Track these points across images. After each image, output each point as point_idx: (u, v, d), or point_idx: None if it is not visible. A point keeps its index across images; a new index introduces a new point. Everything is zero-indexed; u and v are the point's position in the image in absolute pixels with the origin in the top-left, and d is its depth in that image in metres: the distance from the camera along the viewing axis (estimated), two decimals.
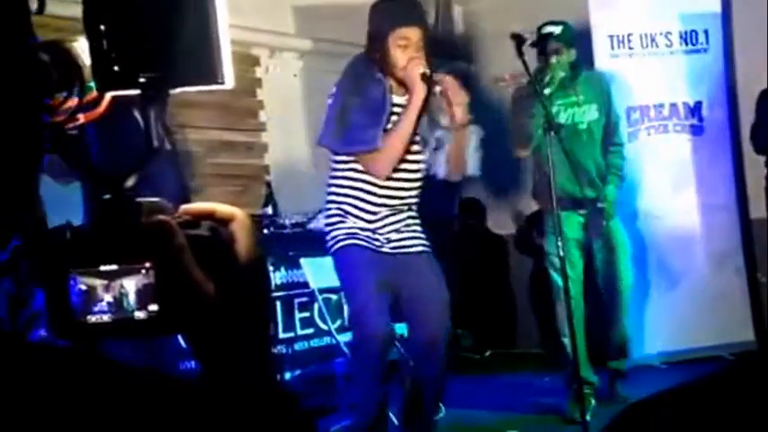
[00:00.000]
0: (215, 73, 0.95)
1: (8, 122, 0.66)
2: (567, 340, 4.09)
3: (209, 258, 0.72)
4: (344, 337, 4.20)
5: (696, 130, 5.37)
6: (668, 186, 5.29)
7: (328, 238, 3.37)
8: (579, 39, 4.52)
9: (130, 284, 0.70)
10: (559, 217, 3.78)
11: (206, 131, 5.18)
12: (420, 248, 3.40)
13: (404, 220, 3.40)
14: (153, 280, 0.70)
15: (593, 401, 4.23)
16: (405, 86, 3.28)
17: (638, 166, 5.21)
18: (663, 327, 5.15)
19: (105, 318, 0.71)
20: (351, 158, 3.33)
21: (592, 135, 4.35)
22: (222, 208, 0.76)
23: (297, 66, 5.68)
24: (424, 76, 3.21)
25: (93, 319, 0.71)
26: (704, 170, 5.33)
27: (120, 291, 0.71)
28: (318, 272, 4.30)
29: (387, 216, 3.36)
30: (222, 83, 0.96)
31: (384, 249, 3.34)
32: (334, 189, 3.38)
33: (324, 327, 4.67)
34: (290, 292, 4.68)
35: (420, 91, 3.22)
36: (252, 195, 5.21)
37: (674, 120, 5.35)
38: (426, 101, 3.26)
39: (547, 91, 4.07)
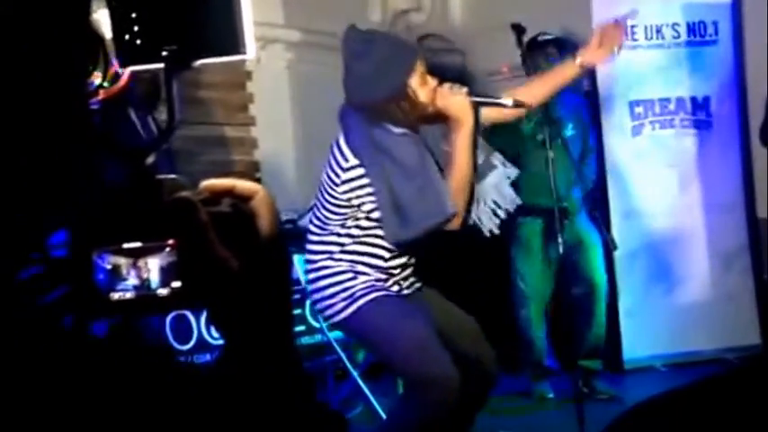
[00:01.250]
0: (237, 43, 0.94)
1: (55, 97, 0.65)
2: (533, 335, 4.53)
3: (231, 235, 0.73)
4: (335, 335, 4.25)
5: (704, 126, 5.21)
6: (673, 183, 5.15)
7: (339, 298, 2.90)
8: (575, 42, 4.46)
9: (154, 262, 0.71)
10: (520, 223, 3.98)
11: (197, 127, 5.10)
12: (421, 283, 3.09)
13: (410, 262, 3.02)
14: (176, 257, 0.71)
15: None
16: (434, 121, 2.86)
17: (641, 161, 5.08)
18: (665, 328, 5.03)
19: (129, 295, 0.72)
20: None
21: (565, 150, 4.27)
22: (242, 184, 0.76)
23: (286, 57, 5.58)
24: (466, 100, 2.82)
25: (116, 296, 0.72)
26: (711, 167, 5.18)
27: (143, 268, 0.71)
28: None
29: (398, 262, 2.98)
30: (245, 53, 0.96)
31: (404, 292, 2.98)
32: (341, 241, 2.92)
33: (316, 324, 4.66)
34: None
35: (469, 115, 2.80)
36: None
37: (681, 114, 5.19)
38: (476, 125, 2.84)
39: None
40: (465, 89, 2.86)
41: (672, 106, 5.18)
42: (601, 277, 4.56)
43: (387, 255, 2.92)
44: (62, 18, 0.65)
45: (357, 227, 2.89)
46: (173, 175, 0.79)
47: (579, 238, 4.48)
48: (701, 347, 4.96)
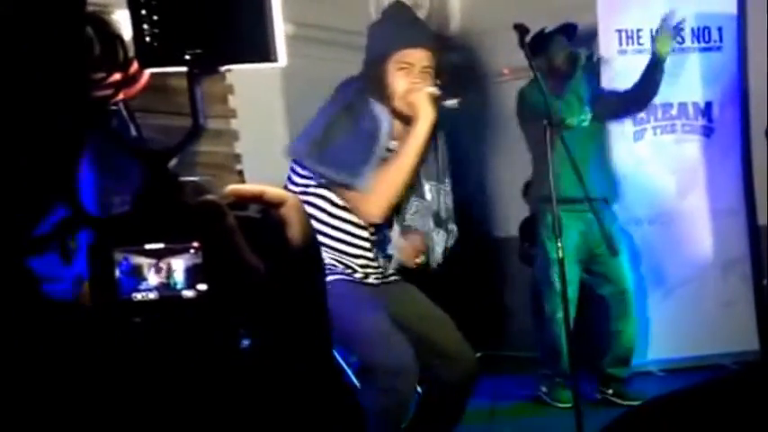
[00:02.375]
0: (268, 50, 0.90)
1: (56, 96, 0.64)
2: (562, 340, 4.16)
3: (259, 240, 0.71)
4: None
5: (705, 132, 5.21)
6: (674, 188, 5.14)
7: None
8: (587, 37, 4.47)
9: (178, 263, 0.70)
10: (559, 218, 3.66)
11: (171, 117, 5.03)
12: (398, 277, 3.09)
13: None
14: (201, 259, 0.69)
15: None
16: (404, 120, 2.86)
17: (643, 166, 5.08)
18: (664, 333, 5.02)
19: (151, 296, 0.70)
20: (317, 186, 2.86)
21: (594, 135, 4.26)
22: (272, 191, 0.75)
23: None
24: (432, 97, 2.81)
25: (138, 296, 0.70)
26: (712, 173, 5.18)
27: (166, 269, 0.70)
28: None
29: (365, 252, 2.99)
30: (275, 60, 0.91)
31: (369, 281, 3.00)
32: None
33: None
34: None
35: (428, 114, 2.78)
36: (221, 186, 5.09)
37: (683, 120, 5.18)
38: (434, 129, 2.84)
39: (574, 83, 4.17)
40: (433, 90, 2.85)
41: (674, 111, 5.17)
42: (630, 281, 4.54)
43: (351, 249, 2.94)
44: (59, 18, 0.65)
45: (323, 211, 2.91)
46: (195, 178, 0.78)
47: (612, 241, 4.44)
48: (700, 353, 4.95)
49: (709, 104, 5.20)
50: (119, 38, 0.82)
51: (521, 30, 3.69)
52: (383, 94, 2.84)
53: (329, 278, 2.80)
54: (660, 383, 4.78)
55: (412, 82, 2.85)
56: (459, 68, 5.21)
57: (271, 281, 0.71)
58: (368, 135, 2.78)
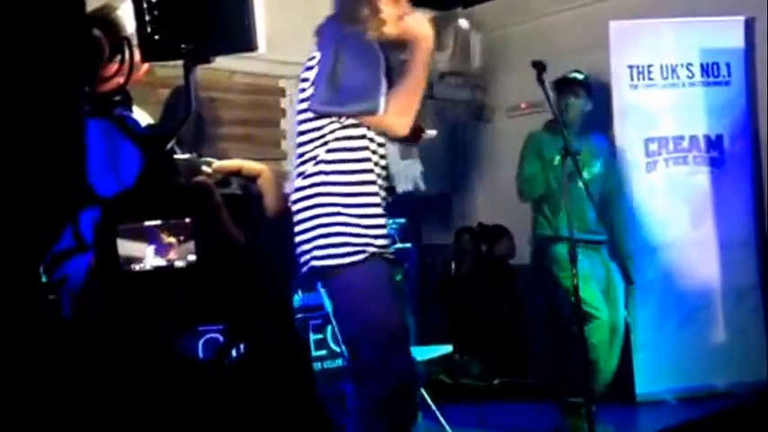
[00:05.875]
0: (249, 40, 1.01)
1: (57, 93, 0.72)
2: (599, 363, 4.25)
3: (241, 213, 0.80)
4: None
5: (716, 163, 5.29)
6: (686, 219, 5.22)
7: (328, 251, 2.74)
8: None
9: (171, 238, 0.78)
10: (575, 250, 3.81)
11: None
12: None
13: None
14: (192, 233, 0.78)
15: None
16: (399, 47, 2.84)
17: (655, 197, 5.16)
18: (677, 362, 5.07)
19: (149, 267, 0.78)
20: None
21: (594, 187, 4.40)
22: (249, 164, 0.85)
23: None
24: (433, 21, 2.82)
25: (137, 268, 0.78)
26: (723, 204, 5.25)
27: (162, 243, 0.78)
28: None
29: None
30: (255, 49, 1.02)
31: (386, 255, 2.84)
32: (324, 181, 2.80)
33: (337, 349, 4.77)
34: (306, 315, 4.77)
35: (427, 37, 2.78)
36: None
37: (695, 152, 5.27)
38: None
39: (572, 131, 4.29)
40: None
41: (685, 144, 5.26)
42: (621, 316, 4.59)
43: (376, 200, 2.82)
44: (57, 20, 0.72)
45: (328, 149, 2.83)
46: (188, 155, 0.87)
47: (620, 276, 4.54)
48: (713, 382, 4.98)
49: (719, 137, 5.28)
50: (125, 38, 0.89)
51: (539, 67, 3.81)
52: (370, 25, 2.82)
53: (362, 256, 2.74)
54: (673, 412, 4.80)
55: (403, 11, 2.85)
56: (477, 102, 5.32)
57: (249, 248, 0.80)
58: (370, 65, 2.78)
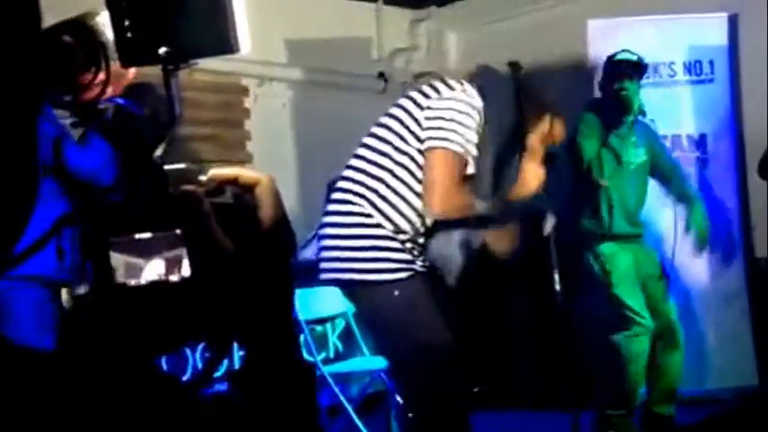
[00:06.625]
0: (229, 42, 1.02)
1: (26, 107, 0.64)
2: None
3: (232, 224, 0.76)
4: (330, 369, 4.30)
5: (700, 163, 5.20)
6: (670, 221, 5.10)
7: (377, 266, 2.66)
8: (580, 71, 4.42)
9: (163, 251, 0.75)
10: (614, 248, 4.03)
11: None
12: None
13: None
14: (183, 246, 0.74)
15: None
16: None
17: None
18: None
19: (143, 282, 0.75)
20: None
21: (639, 177, 4.30)
22: (245, 174, 0.80)
23: (286, 95, 5.60)
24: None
25: (132, 282, 0.75)
26: (708, 205, 5.14)
27: (154, 257, 0.75)
28: (305, 303, 4.25)
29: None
30: (238, 50, 1.02)
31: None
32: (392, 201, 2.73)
33: (310, 358, 4.60)
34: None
35: (531, 189, 2.93)
36: None
37: (678, 152, 5.17)
38: None
39: (629, 118, 4.16)
40: None
41: (668, 143, 5.17)
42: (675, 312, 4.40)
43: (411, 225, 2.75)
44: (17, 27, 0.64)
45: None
46: (181, 165, 0.83)
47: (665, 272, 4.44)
48: (700, 387, 4.89)
49: (703, 136, 5.20)
50: (99, 42, 0.92)
51: (515, 67, 3.69)
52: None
53: (402, 274, 2.66)
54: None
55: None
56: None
57: (242, 263, 0.76)
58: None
